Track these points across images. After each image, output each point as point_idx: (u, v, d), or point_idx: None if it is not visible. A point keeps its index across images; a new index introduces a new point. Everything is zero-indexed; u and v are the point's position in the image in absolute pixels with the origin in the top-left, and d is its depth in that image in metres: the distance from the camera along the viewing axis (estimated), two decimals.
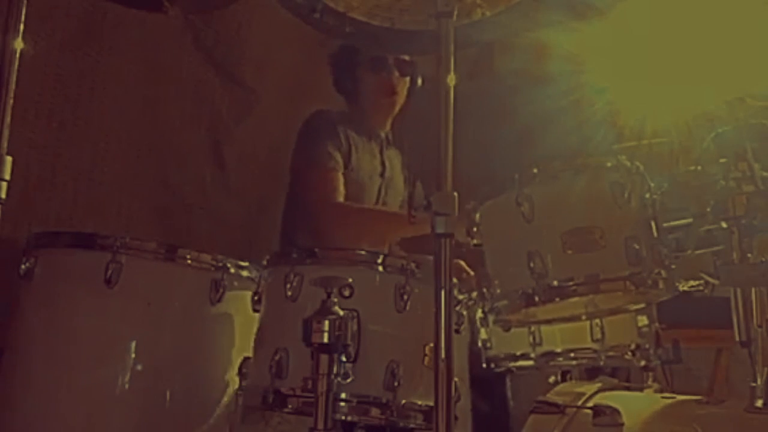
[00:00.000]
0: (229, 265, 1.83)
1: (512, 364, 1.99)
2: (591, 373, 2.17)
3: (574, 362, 1.94)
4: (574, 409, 1.68)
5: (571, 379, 2.09)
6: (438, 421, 1.23)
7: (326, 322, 1.45)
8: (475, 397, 1.88)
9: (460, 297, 1.84)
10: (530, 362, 1.94)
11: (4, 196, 1.25)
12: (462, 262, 2.34)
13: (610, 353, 1.88)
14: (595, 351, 1.88)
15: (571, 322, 1.87)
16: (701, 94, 1.91)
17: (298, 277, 1.65)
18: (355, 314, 1.55)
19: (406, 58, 2.63)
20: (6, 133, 1.26)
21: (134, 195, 2.69)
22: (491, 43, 3.32)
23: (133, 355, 1.72)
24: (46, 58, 2.37)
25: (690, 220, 1.69)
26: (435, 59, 1.36)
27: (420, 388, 1.60)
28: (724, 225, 1.59)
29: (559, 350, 1.93)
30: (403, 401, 1.58)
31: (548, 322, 1.89)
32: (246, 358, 1.75)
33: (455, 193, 1.30)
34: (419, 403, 1.60)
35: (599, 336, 1.86)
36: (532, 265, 1.67)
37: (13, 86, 1.27)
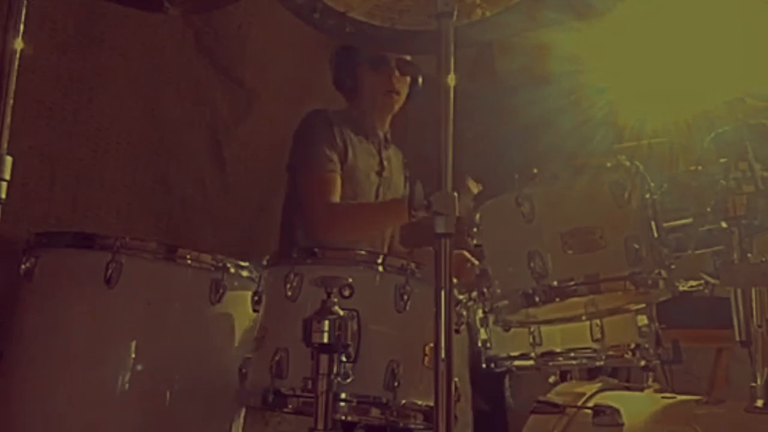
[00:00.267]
0: (229, 265, 1.83)
1: (512, 364, 1.99)
2: (591, 373, 2.17)
3: (574, 362, 1.94)
4: (574, 409, 1.68)
5: (571, 379, 2.09)
6: (438, 421, 1.23)
7: (326, 322, 1.45)
8: (474, 397, 1.88)
9: (460, 297, 1.84)
10: (530, 362, 1.94)
11: (4, 196, 1.25)
12: (466, 253, 2.34)
13: (610, 353, 1.88)
14: (595, 351, 1.88)
15: (571, 322, 1.87)
16: (701, 94, 1.91)
17: (298, 277, 1.65)
18: (355, 314, 1.55)
19: (407, 57, 2.63)
20: (6, 133, 1.26)
21: (134, 195, 2.69)
22: (491, 43, 3.32)
23: (133, 355, 1.72)
24: (46, 58, 2.37)
25: (690, 220, 1.69)
26: (435, 59, 1.36)
27: (420, 388, 1.60)
28: (724, 225, 1.59)
29: (559, 350, 1.93)
30: (403, 401, 1.58)
31: (548, 322, 1.89)
32: (246, 358, 1.75)
33: (455, 193, 1.30)
34: (419, 403, 1.60)
35: (599, 336, 1.86)
36: (532, 265, 1.67)
37: (13, 86, 1.27)
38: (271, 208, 2.92)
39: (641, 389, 1.91)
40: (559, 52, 2.78)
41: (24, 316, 1.77)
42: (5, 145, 1.25)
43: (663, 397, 1.73)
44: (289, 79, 3.24)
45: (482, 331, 1.97)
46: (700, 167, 1.70)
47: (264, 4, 2.94)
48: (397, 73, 2.62)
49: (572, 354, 1.92)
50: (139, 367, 1.72)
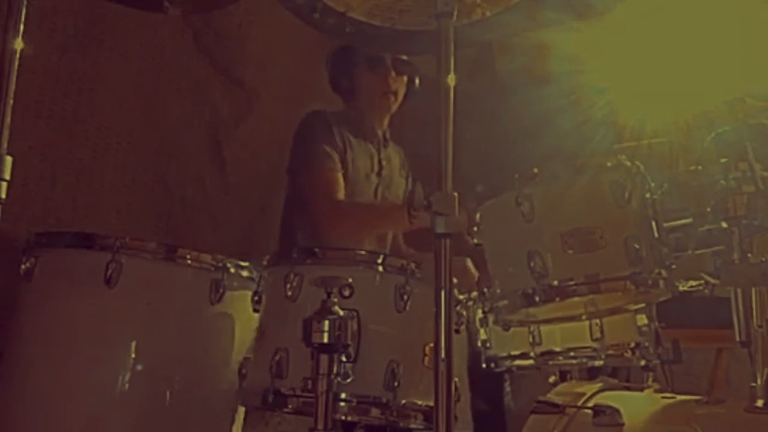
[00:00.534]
0: (229, 265, 1.83)
1: (512, 363, 1.98)
2: (591, 373, 2.17)
3: (573, 361, 1.94)
4: (574, 409, 1.68)
5: (571, 379, 2.09)
6: (438, 421, 1.23)
7: (326, 322, 1.45)
8: (473, 397, 1.88)
9: (460, 297, 1.84)
10: (530, 362, 1.94)
11: (4, 196, 1.25)
12: (469, 262, 2.34)
13: (610, 352, 1.88)
14: (594, 350, 1.88)
15: (571, 322, 1.87)
16: (701, 94, 1.91)
17: (298, 277, 1.65)
18: (355, 314, 1.55)
19: (404, 57, 2.63)
20: (6, 133, 1.26)
21: (134, 195, 2.69)
22: (491, 43, 3.32)
23: (133, 355, 1.72)
24: (46, 58, 2.37)
25: (690, 220, 1.69)
26: (435, 59, 1.36)
27: (420, 388, 1.60)
28: (724, 225, 1.59)
29: (558, 350, 1.93)
30: (403, 401, 1.58)
31: (548, 321, 1.89)
32: (246, 358, 1.75)
33: (455, 193, 1.30)
34: (419, 403, 1.60)
35: (599, 335, 1.86)
36: (532, 265, 1.67)
37: (13, 86, 1.27)
38: (271, 208, 2.92)
39: (641, 389, 1.91)
40: (559, 52, 2.78)
41: (24, 316, 1.77)
42: (5, 145, 1.25)
43: (663, 397, 1.73)
44: (289, 79, 3.24)
45: (482, 331, 1.97)
46: (700, 167, 1.70)
47: (264, 4, 2.94)
48: (393, 72, 2.62)
49: (572, 353, 1.93)
50: (139, 367, 1.72)
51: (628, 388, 1.89)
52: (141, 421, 1.71)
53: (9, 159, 1.25)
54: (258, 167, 3.13)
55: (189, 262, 1.79)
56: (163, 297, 1.78)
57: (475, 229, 1.83)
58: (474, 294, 1.88)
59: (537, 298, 1.67)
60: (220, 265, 1.81)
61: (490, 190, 1.81)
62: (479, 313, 1.93)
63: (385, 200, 2.72)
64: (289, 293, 1.64)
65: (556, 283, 1.67)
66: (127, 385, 1.70)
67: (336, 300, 1.49)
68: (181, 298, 1.81)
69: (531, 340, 1.92)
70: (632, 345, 1.88)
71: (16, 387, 1.71)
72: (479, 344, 1.98)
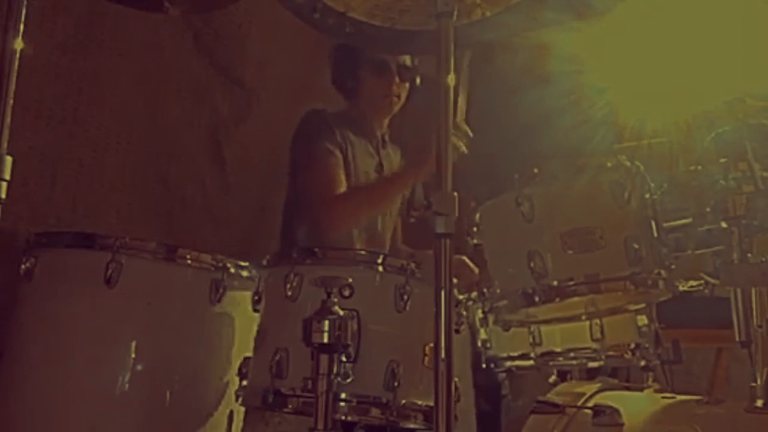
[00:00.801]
0: (229, 265, 1.83)
1: (512, 364, 1.98)
2: (591, 373, 2.17)
3: (574, 362, 1.94)
4: (574, 409, 1.68)
5: (570, 379, 2.09)
6: (438, 421, 1.23)
7: (326, 322, 1.45)
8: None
9: (460, 297, 1.84)
10: (530, 362, 1.94)
11: (4, 196, 1.25)
12: (465, 258, 2.34)
13: (610, 353, 1.88)
14: (594, 351, 1.88)
15: (571, 322, 1.87)
16: (701, 94, 1.91)
17: (298, 277, 1.65)
18: (355, 314, 1.55)
19: (408, 64, 2.63)
20: (6, 133, 1.26)
21: (134, 195, 2.68)
22: (491, 43, 3.32)
23: (133, 355, 1.72)
24: (46, 58, 2.37)
25: (690, 220, 1.69)
26: (435, 59, 1.35)
27: (420, 388, 1.60)
28: (724, 225, 1.59)
29: (559, 350, 1.93)
30: (403, 401, 1.58)
31: (548, 322, 1.89)
32: (246, 358, 1.75)
33: (455, 193, 1.30)
34: (419, 403, 1.60)
35: (599, 336, 1.86)
36: (532, 265, 1.67)
37: (13, 86, 1.27)
38: (271, 208, 2.92)
39: (641, 389, 1.91)
40: (559, 52, 2.78)
41: (24, 316, 1.77)
42: (5, 145, 1.25)
43: (663, 397, 1.73)
44: (289, 79, 3.24)
45: (482, 331, 1.97)
46: (700, 167, 1.70)
47: (264, 4, 2.93)
48: (397, 79, 2.63)
49: (572, 354, 1.92)
50: (139, 367, 1.72)
51: (628, 388, 1.89)
52: (141, 421, 1.71)
53: (9, 159, 1.25)
54: (258, 167, 3.13)
55: (189, 262, 1.79)
56: (163, 297, 1.78)
57: (475, 229, 1.82)
58: (474, 294, 1.88)
59: (537, 298, 1.67)
60: (220, 265, 1.81)
61: (490, 190, 1.81)
62: (479, 313, 1.93)
63: None
64: (289, 293, 1.64)
65: (556, 283, 1.67)
66: (127, 385, 1.70)
67: (336, 300, 1.49)
68: (181, 298, 1.81)
69: (531, 340, 1.92)
70: (632, 346, 1.88)
71: (16, 387, 1.71)
72: (479, 344, 1.98)
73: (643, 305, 1.86)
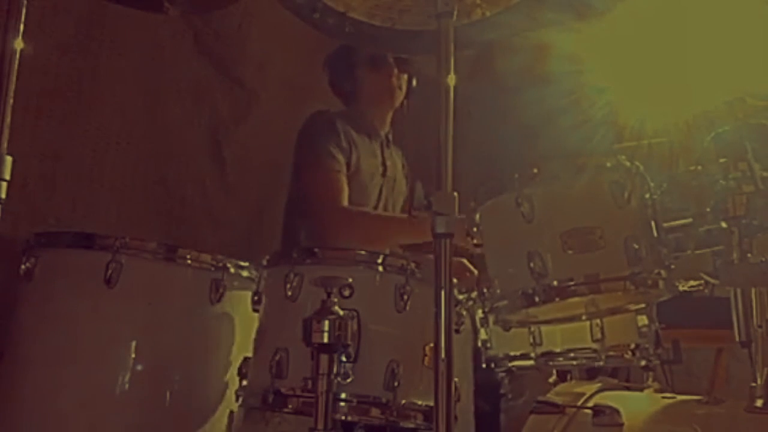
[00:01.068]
0: (229, 265, 1.83)
1: (512, 364, 1.98)
2: (591, 373, 2.17)
3: (574, 362, 1.93)
4: (574, 409, 1.68)
5: (570, 379, 2.09)
6: (438, 421, 1.23)
7: (326, 322, 1.45)
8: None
9: (460, 297, 1.84)
10: (530, 362, 1.94)
11: (4, 196, 1.25)
12: (465, 261, 2.34)
13: (610, 353, 1.88)
14: (595, 351, 1.88)
15: (571, 322, 1.87)
16: (701, 94, 1.91)
17: (298, 277, 1.65)
18: (355, 314, 1.55)
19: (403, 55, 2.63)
20: (6, 133, 1.26)
21: (134, 195, 2.69)
22: (491, 43, 3.32)
23: (133, 355, 1.72)
24: (46, 58, 2.37)
25: (690, 220, 1.69)
26: (435, 59, 1.36)
27: (420, 388, 1.60)
28: (724, 225, 1.59)
29: (559, 350, 1.93)
30: (403, 401, 1.58)
31: (548, 322, 1.89)
32: (246, 358, 1.75)
33: (455, 193, 1.30)
34: (419, 403, 1.60)
35: (599, 336, 1.86)
36: (532, 265, 1.66)
37: (13, 86, 1.27)
38: (271, 209, 2.92)
39: (641, 389, 1.91)
40: (559, 52, 2.78)
41: (24, 316, 1.77)
42: (5, 145, 1.25)
43: (663, 397, 1.73)
44: (289, 79, 3.24)
45: (482, 331, 1.97)
46: (700, 167, 1.70)
47: (264, 4, 2.94)
48: (396, 70, 2.63)
49: (572, 354, 1.92)
50: (139, 367, 1.72)
51: (628, 388, 1.89)
52: (141, 421, 1.71)
53: (9, 159, 1.25)
54: (258, 167, 3.13)
55: (189, 262, 1.79)
56: (163, 297, 1.78)
57: (475, 229, 1.82)
58: (474, 294, 1.88)
59: (537, 299, 1.67)
60: (220, 265, 1.81)
61: (491, 189, 1.81)
62: (479, 313, 1.93)
63: (388, 201, 2.72)
64: (289, 293, 1.65)
65: (555, 283, 1.66)
66: (127, 385, 1.70)
67: (336, 300, 1.49)
68: (181, 298, 1.81)
69: (531, 340, 1.92)
70: (632, 346, 1.88)
71: (16, 387, 1.71)
72: (479, 344, 1.98)
73: (643, 305, 1.85)
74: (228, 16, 3.01)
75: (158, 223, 2.77)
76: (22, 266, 1.77)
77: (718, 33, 2.16)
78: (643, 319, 1.88)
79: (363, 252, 1.72)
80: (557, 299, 1.67)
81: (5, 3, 1.31)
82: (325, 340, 1.44)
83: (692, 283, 1.76)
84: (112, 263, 1.70)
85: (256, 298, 1.76)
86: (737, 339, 1.55)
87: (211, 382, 1.80)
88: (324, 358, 1.45)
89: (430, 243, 1.29)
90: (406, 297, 1.63)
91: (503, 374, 2.22)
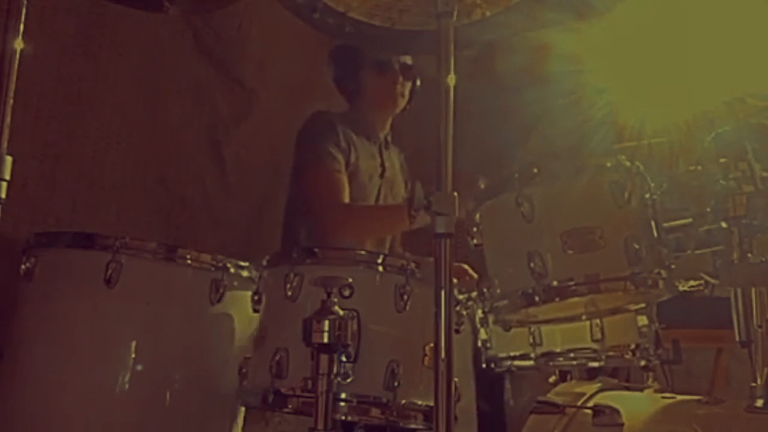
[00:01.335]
0: (229, 265, 1.83)
1: (512, 364, 1.98)
2: (591, 373, 2.17)
3: (574, 362, 1.94)
4: (574, 409, 1.68)
5: (571, 379, 2.09)
6: (438, 421, 1.23)
7: (326, 322, 1.45)
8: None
9: (460, 297, 1.84)
10: (530, 362, 1.94)
11: (4, 196, 1.25)
12: (466, 266, 2.35)
13: (610, 353, 1.88)
14: (595, 351, 1.88)
15: (571, 322, 1.87)
16: (701, 94, 1.90)
17: (298, 277, 1.65)
18: (355, 314, 1.55)
19: (409, 62, 2.64)
20: (6, 133, 1.26)
21: (134, 195, 2.69)
22: (491, 43, 3.32)
23: (133, 355, 1.72)
24: (46, 58, 2.37)
25: (690, 220, 1.69)
26: (435, 59, 1.36)
27: (420, 388, 1.60)
28: (724, 225, 1.59)
29: (559, 350, 1.93)
30: (403, 401, 1.58)
31: (548, 322, 1.89)
32: (246, 358, 1.75)
33: (455, 193, 1.30)
34: (419, 403, 1.60)
35: (599, 336, 1.86)
36: (532, 265, 1.66)
37: (13, 86, 1.27)
38: (271, 209, 2.93)
39: (641, 389, 1.91)
40: (559, 52, 2.78)
41: (24, 316, 1.77)
42: (5, 145, 1.25)
43: (663, 397, 1.73)
44: (289, 79, 3.24)
45: (482, 331, 1.97)
46: (700, 167, 1.70)
47: (264, 4, 2.94)
48: (401, 78, 2.63)
49: (572, 354, 1.92)
50: (139, 367, 1.72)
51: (628, 388, 1.89)
52: (141, 421, 1.71)
53: (9, 159, 1.25)
54: (258, 167, 3.13)
55: (189, 262, 1.79)
56: (163, 297, 1.78)
57: (475, 229, 1.82)
58: (474, 294, 1.88)
59: (537, 298, 1.67)
60: (220, 265, 1.81)
61: (491, 188, 1.81)
62: (479, 313, 1.93)
63: (387, 202, 2.72)
64: (289, 293, 1.64)
65: (555, 283, 1.66)
66: (127, 385, 1.70)
67: (336, 300, 1.49)
68: (181, 298, 1.81)
69: (531, 340, 1.92)
70: (632, 346, 1.88)
71: (16, 387, 1.71)
72: (479, 344, 1.98)
73: (643, 305, 1.86)
74: (228, 16, 3.01)
75: (158, 223, 2.77)
76: (22, 266, 1.77)
77: (718, 33, 2.16)
78: (643, 319, 1.88)
79: (363, 252, 1.73)
80: (557, 299, 1.67)
81: (5, 3, 1.31)
82: (325, 340, 1.44)
83: (692, 283, 1.76)
84: (112, 263, 1.70)
85: (256, 298, 1.76)
86: (737, 339, 1.55)
87: (211, 382, 1.80)
88: (324, 358, 1.45)
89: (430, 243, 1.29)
90: (406, 297, 1.63)
91: (504, 374, 2.22)
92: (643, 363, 1.89)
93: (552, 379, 2.04)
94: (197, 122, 2.96)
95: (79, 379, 1.70)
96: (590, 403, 1.68)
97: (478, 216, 1.82)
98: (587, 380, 2.02)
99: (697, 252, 1.69)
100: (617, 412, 1.61)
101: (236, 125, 3.07)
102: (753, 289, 1.55)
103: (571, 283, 1.66)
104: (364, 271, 1.65)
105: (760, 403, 1.51)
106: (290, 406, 1.60)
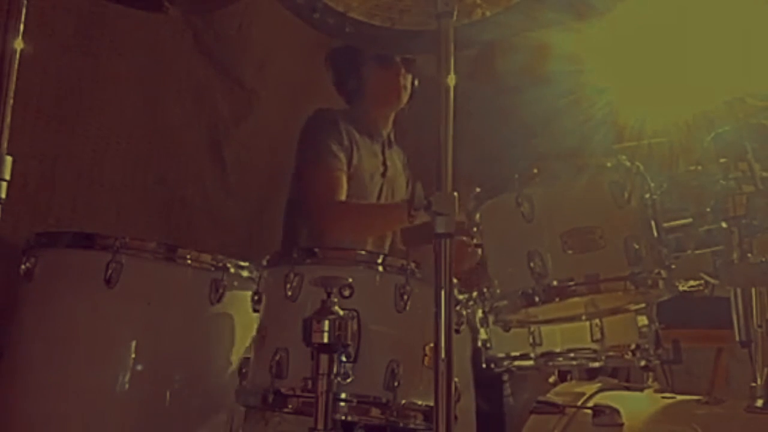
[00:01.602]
0: (229, 265, 1.83)
1: (512, 364, 1.98)
2: (591, 373, 2.17)
3: (574, 362, 1.93)
4: (574, 409, 1.68)
5: (570, 379, 2.09)
6: (438, 421, 1.23)
7: (326, 322, 1.45)
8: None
9: (460, 297, 1.84)
10: (530, 362, 1.94)
11: (4, 196, 1.25)
12: (465, 238, 2.34)
13: (610, 353, 1.88)
14: (595, 351, 1.88)
15: (571, 322, 1.87)
16: (701, 94, 1.90)
17: (298, 277, 1.65)
18: (355, 314, 1.55)
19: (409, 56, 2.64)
20: (6, 133, 1.26)
21: (134, 195, 2.69)
22: (491, 43, 3.32)
23: (133, 355, 1.72)
24: (46, 58, 2.37)
25: (690, 220, 1.69)
26: (435, 59, 1.36)
27: (420, 388, 1.60)
28: (724, 225, 1.59)
29: (559, 350, 1.92)
30: (403, 401, 1.58)
31: (548, 322, 1.89)
32: (246, 358, 1.75)
33: (455, 193, 1.30)
34: (419, 403, 1.60)
35: (599, 336, 1.86)
36: (532, 265, 1.66)
37: (13, 86, 1.27)
38: (271, 209, 2.92)
39: (641, 389, 1.91)
40: (559, 52, 2.78)
41: (24, 316, 1.77)
42: (5, 145, 1.25)
43: (663, 397, 1.73)
44: (289, 79, 3.24)
45: (482, 331, 1.97)
46: (700, 167, 1.70)
47: (264, 4, 2.94)
48: (403, 70, 2.63)
49: (572, 355, 1.92)
50: (139, 367, 1.72)
51: (628, 388, 1.89)
52: (141, 421, 1.71)
53: (9, 159, 1.25)
54: (258, 167, 3.13)
55: (189, 262, 1.79)
56: (163, 297, 1.78)
57: (475, 229, 1.82)
58: (474, 294, 1.88)
59: (537, 298, 1.67)
60: (220, 265, 1.81)
61: (490, 189, 1.81)
62: (479, 313, 1.93)
63: (387, 201, 2.72)
64: (289, 293, 1.64)
65: (555, 283, 1.66)
66: (127, 385, 1.70)
67: (336, 300, 1.49)
68: (181, 298, 1.81)
69: (531, 340, 1.92)
70: (633, 347, 1.88)
71: (16, 387, 1.71)
72: (479, 344, 1.98)
73: (643, 305, 1.85)
74: (228, 17, 3.01)
75: (158, 223, 2.77)
76: (22, 266, 1.77)
77: (718, 33, 2.16)
78: (643, 319, 1.88)
79: (363, 252, 1.72)
80: (557, 299, 1.67)
81: (5, 3, 1.31)
82: (325, 340, 1.44)
83: (692, 283, 1.76)
84: (112, 263, 1.70)
85: (256, 298, 1.76)
86: (737, 339, 1.55)
87: (211, 382, 1.80)
88: (324, 358, 1.45)
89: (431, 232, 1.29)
90: (406, 297, 1.63)
91: (504, 374, 2.22)
92: (643, 363, 1.89)
93: (552, 379, 2.04)
94: (197, 122, 2.96)
95: (79, 379, 1.70)
96: (590, 403, 1.68)
97: (478, 216, 1.82)
98: (587, 380, 2.02)
99: (697, 252, 1.69)
100: (617, 412, 1.61)
101: (236, 125, 3.07)
102: (753, 289, 1.54)
103: (571, 283, 1.66)
104: (364, 271, 1.65)
105: (760, 403, 1.51)
106: (290, 406, 1.60)
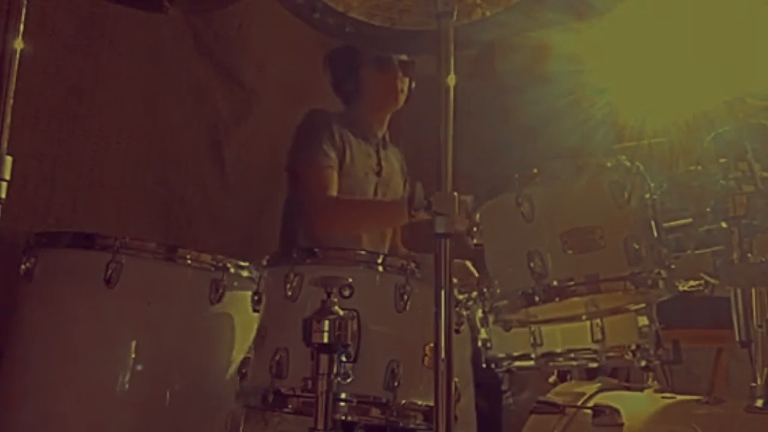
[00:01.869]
0: (229, 265, 1.83)
1: (512, 364, 1.98)
2: (591, 373, 2.17)
3: (574, 363, 1.93)
4: (574, 409, 1.68)
5: (570, 379, 2.09)
6: (438, 421, 1.23)
7: (326, 322, 1.45)
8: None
9: (460, 297, 1.84)
10: (530, 362, 1.94)
11: (4, 196, 1.25)
12: (468, 263, 2.35)
13: (611, 354, 1.88)
14: (595, 351, 1.88)
15: (572, 322, 1.87)
16: (701, 94, 1.91)
17: (298, 277, 1.65)
18: (355, 314, 1.55)
19: (406, 58, 2.64)
20: (6, 133, 1.26)
21: (134, 195, 2.69)
22: (491, 43, 3.32)
23: (133, 355, 1.72)
24: (46, 58, 2.37)
25: (690, 220, 1.69)
26: (435, 59, 1.36)
27: (420, 388, 1.60)
28: (724, 225, 1.59)
29: (559, 350, 1.92)
30: (403, 401, 1.58)
31: (548, 322, 1.89)
32: (246, 358, 1.75)
33: (455, 193, 1.30)
34: (419, 403, 1.60)
35: (599, 336, 1.86)
36: (532, 265, 1.66)
37: (13, 86, 1.27)
38: (271, 209, 2.92)
39: (641, 389, 1.91)
40: (559, 52, 2.78)
41: (24, 316, 1.77)
42: (5, 145, 1.26)
43: (663, 397, 1.73)
44: (289, 79, 3.24)
45: (482, 331, 1.97)
46: (700, 167, 1.70)
47: (264, 4, 2.94)
48: (400, 74, 2.64)
49: (572, 355, 1.92)
50: (139, 367, 1.72)
51: (628, 388, 1.89)
52: (141, 421, 1.71)
53: (9, 159, 1.25)
54: (258, 167, 3.13)
55: (189, 262, 1.79)
56: (163, 297, 1.78)
57: (475, 229, 1.82)
58: (474, 294, 1.88)
59: (537, 298, 1.67)
60: (220, 265, 1.81)
61: (490, 189, 1.81)
62: (479, 313, 1.93)
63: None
64: (289, 293, 1.64)
65: (555, 283, 1.66)
66: (127, 385, 1.70)
67: (336, 300, 1.49)
68: (181, 298, 1.81)
69: (532, 341, 1.92)
70: (633, 347, 1.88)
71: (16, 386, 1.71)
72: (479, 344, 1.98)
73: (643, 305, 1.85)
74: (228, 17, 3.01)
75: (158, 223, 2.77)
76: (22, 266, 1.77)
77: (718, 33, 2.16)
78: (643, 320, 1.88)
79: (363, 252, 1.73)
80: (557, 299, 1.67)
81: (5, 3, 1.31)
82: (325, 340, 1.44)
83: (692, 283, 1.76)
84: (112, 263, 1.70)
85: (256, 298, 1.76)
86: (737, 339, 1.55)
87: (211, 382, 1.80)
88: (324, 358, 1.45)
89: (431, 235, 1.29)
90: (406, 297, 1.63)
91: (504, 374, 2.22)
92: (643, 363, 1.89)
93: (552, 379, 2.04)
94: (197, 122, 2.96)
95: (79, 379, 1.70)
96: (590, 403, 1.68)
97: (478, 216, 1.82)
98: (587, 380, 2.02)
99: (697, 252, 1.69)
100: (617, 412, 1.61)
101: (236, 125, 3.07)
102: (753, 289, 1.54)
103: (571, 283, 1.66)
104: (364, 271, 1.65)
105: (760, 403, 1.51)
106: (290, 406, 1.60)
